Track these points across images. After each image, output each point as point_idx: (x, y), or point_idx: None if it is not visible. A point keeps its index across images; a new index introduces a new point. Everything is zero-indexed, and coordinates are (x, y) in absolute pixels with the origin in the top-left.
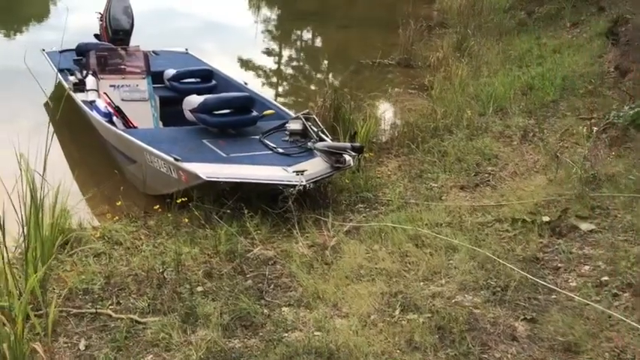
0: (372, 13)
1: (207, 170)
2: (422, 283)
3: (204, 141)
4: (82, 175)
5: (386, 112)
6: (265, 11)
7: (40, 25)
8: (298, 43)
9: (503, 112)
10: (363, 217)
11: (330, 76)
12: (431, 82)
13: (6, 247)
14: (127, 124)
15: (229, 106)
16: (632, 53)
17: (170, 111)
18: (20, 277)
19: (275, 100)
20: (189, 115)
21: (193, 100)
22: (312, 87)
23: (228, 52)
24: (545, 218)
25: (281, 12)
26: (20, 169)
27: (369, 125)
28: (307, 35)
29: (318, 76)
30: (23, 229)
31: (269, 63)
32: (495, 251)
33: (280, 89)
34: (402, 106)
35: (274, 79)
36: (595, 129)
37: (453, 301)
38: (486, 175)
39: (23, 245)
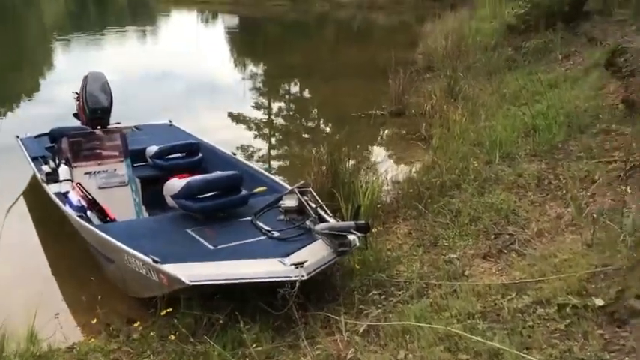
0: (356, 62)
1: (191, 272)
2: None
3: (189, 231)
4: (60, 278)
5: (387, 169)
6: (252, 67)
7: (31, 101)
8: (287, 101)
9: (511, 158)
10: (380, 309)
11: (323, 133)
12: (428, 132)
13: None
14: (105, 216)
15: (215, 188)
16: (638, 85)
17: (155, 191)
18: None
19: (266, 165)
20: (170, 202)
21: (174, 185)
22: (305, 146)
23: (218, 111)
24: (599, 302)
25: (267, 67)
26: None
27: (371, 190)
28: (295, 91)
29: (310, 135)
30: None
31: (259, 121)
32: (550, 356)
33: (272, 152)
34: (403, 161)
35: (264, 143)
36: (619, 173)
37: None
38: (508, 237)
39: None
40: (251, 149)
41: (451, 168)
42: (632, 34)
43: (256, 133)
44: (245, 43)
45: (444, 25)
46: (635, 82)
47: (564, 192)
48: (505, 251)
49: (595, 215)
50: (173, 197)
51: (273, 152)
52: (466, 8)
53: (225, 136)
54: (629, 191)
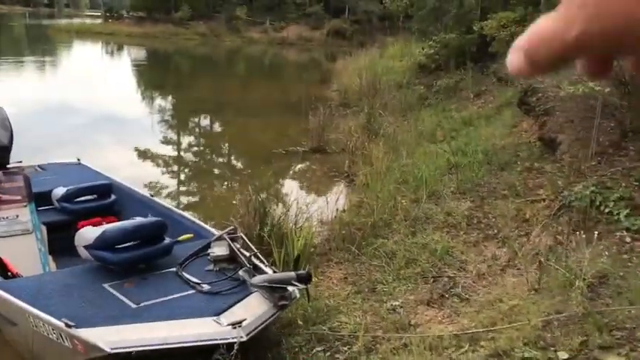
0: (269, 98)
1: (111, 337)
2: None
3: (106, 286)
4: None
5: (316, 209)
6: (160, 101)
7: None
8: (200, 136)
9: (437, 196)
10: None
11: (244, 171)
12: (352, 169)
13: None
14: (6, 271)
15: (136, 237)
16: (553, 124)
17: (62, 238)
18: None
19: (184, 207)
20: (84, 254)
21: (88, 235)
22: (226, 185)
23: (124, 146)
24: (563, 355)
25: (176, 102)
26: None
27: (304, 233)
28: (209, 126)
29: (231, 172)
30: None
31: (169, 157)
32: None
33: (192, 192)
34: (331, 199)
35: (176, 182)
36: (549, 212)
37: None
38: (447, 279)
39: None
40: (163, 187)
41: (380, 207)
42: (541, 75)
43: (166, 169)
44: (153, 77)
45: (356, 62)
46: (550, 121)
47: (496, 231)
48: (447, 296)
49: (541, 259)
50: (87, 247)
51: (193, 192)
52: (375, 46)
53: (133, 173)
54: (565, 231)
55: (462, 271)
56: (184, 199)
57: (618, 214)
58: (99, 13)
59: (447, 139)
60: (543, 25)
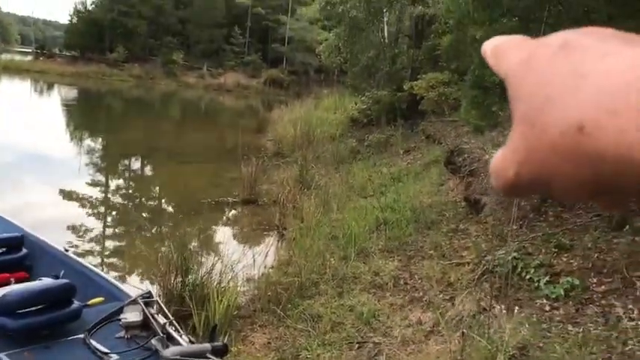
0: (203, 143)
1: None
2: None
3: (2, 356)
4: None
5: (242, 267)
6: (89, 142)
7: None
8: (128, 181)
9: (365, 253)
10: None
11: (170, 222)
12: (282, 222)
13: None
14: None
15: (41, 301)
16: (477, 185)
17: None
18: None
19: (103, 265)
20: None
21: None
22: (149, 238)
23: (48, 187)
24: None
25: (106, 143)
26: None
27: (228, 294)
28: (139, 171)
29: (156, 223)
30: None
31: (95, 199)
32: None
33: (110, 245)
34: (259, 256)
35: (99, 230)
36: (473, 276)
37: None
38: (372, 346)
39: None
40: (82, 237)
41: (308, 266)
42: (467, 135)
43: (88, 218)
44: (83, 117)
45: (292, 113)
46: (475, 182)
47: (421, 294)
48: None
49: (464, 330)
50: None
51: (114, 246)
52: (311, 97)
53: (51, 219)
54: (488, 297)
55: (387, 337)
56: (103, 254)
57: (538, 280)
58: (29, 50)
59: (377, 194)
60: (497, 157)
